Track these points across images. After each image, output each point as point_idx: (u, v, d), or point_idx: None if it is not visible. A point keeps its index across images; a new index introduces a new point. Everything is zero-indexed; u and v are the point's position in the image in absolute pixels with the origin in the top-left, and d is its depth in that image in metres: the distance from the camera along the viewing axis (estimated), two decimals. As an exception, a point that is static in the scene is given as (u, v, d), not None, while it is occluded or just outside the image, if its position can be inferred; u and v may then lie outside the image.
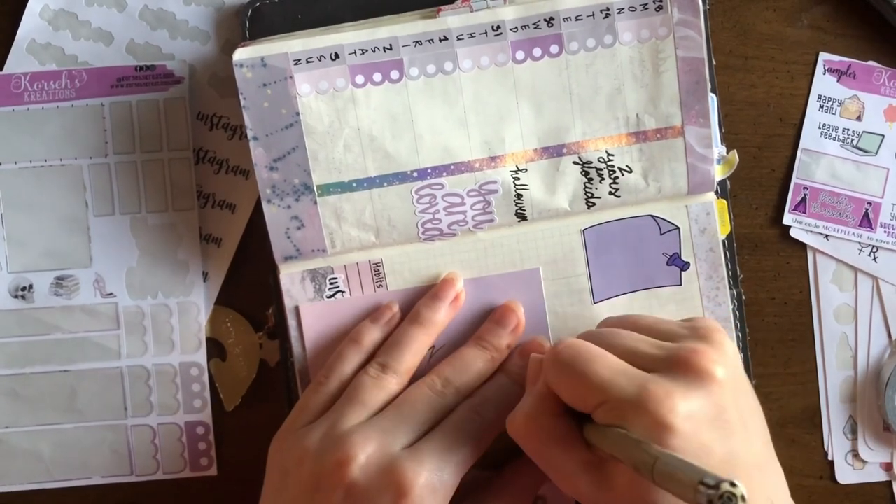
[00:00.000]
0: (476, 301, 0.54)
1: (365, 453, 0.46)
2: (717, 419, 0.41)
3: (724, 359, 0.43)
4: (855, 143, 0.57)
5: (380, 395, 0.49)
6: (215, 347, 0.57)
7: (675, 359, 0.42)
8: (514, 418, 0.45)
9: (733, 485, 0.32)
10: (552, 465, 0.44)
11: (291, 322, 0.54)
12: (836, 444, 0.57)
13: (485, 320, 0.53)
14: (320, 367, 0.53)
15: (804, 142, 0.57)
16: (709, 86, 0.53)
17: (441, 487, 0.46)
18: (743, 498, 0.32)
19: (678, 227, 0.54)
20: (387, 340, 0.52)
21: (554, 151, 0.53)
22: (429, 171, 0.53)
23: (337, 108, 0.52)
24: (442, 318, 0.52)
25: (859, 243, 0.57)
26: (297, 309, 0.54)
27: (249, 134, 0.52)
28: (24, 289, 0.56)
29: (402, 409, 0.48)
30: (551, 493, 0.54)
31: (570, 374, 0.43)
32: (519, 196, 0.53)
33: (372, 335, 0.52)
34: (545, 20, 0.52)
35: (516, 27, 0.52)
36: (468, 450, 0.48)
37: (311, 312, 0.54)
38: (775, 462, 0.45)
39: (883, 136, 0.57)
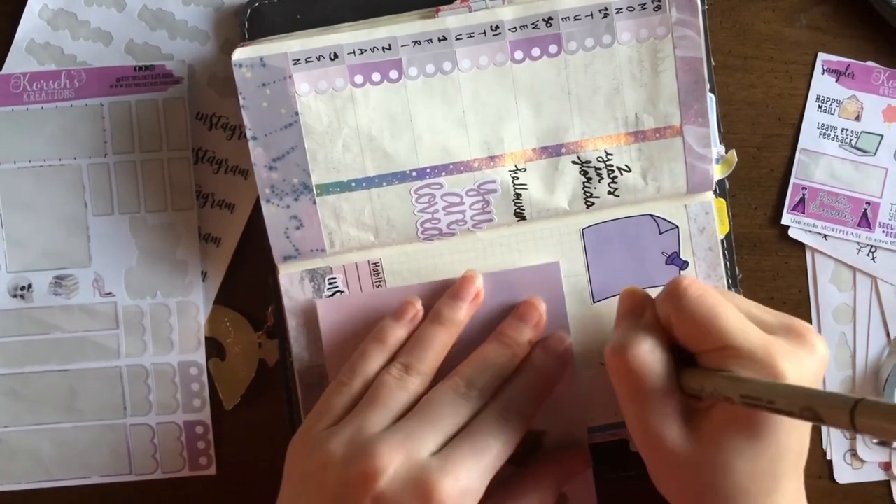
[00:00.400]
0: (495, 296, 0.53)
1: (393, 464, 0.45)
2: (811, 386, 0.44)
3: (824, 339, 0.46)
4: (853, 143, 0.57)
5: (403, 396, 0.49)
6: (214, 347, 0.57)
7: (788, 327, 0.45)
8: (622, 349, 0.45)
9: None
10: (647, 408, 0.45)
11: (291, 322, 0.54)
12: (834, 444, 0.57)
13: (502, 314, 0.53)
14: (336, 362, 0.52)
15: (803, 142, 0.57)
16: (707, 85, 0.53)
17: (470, 494, 0.46)
18: None
19: (677, 227, 0.54)
20: (409, 340, 0.51)
21: (553, 151, 0.53)
22: (428, 170, 0.53)
23: (336, 108, 0.52)
24: (463, 317, 0.52)
25: (858, 243, 0.57)
26: (301, 306, 0.53)
27: (248, 134, 0.52)
28: (23, 288, 0.56)
29: (426, 415, 0.47)
30: (573, 491, 0.54)
31: (699, 313, 0.44)
32: (518, 196, 0.53)
33: (397, 333, 0.51)
34: (544, 20, 0.52)
35: (515, 27, 0.52)
36: (496, 453, 0.47)
37: (328, 307, 0.53)
38: None
39: (881, 136, 0.57)
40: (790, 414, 0.39)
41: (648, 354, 0.45)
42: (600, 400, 0.54)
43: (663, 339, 0.46)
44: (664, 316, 0.46)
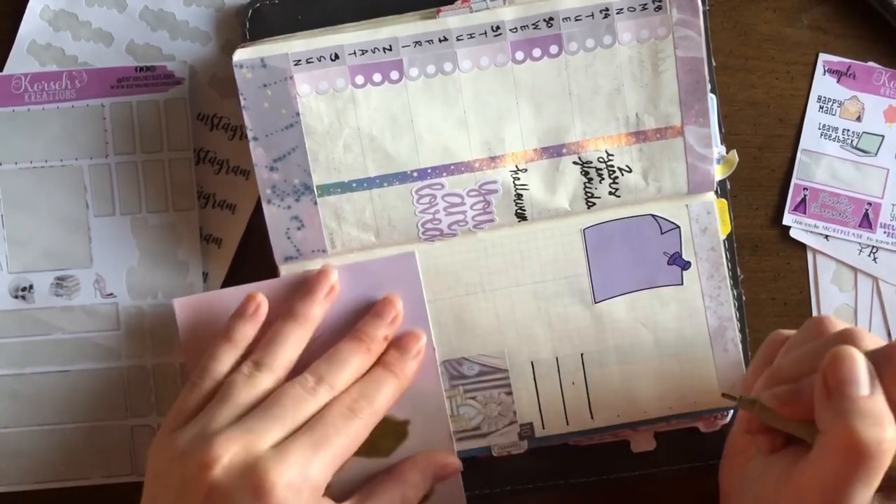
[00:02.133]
0: (353, 288, 0.53)
1: (228, 454, 0.45)
2: None
3: None
4: (855, 143, 0.57)
5: (252, 393, 0.48)
6: (215, 348, 0.57)
7: None
8: (883, 434, 0.40)
9: None
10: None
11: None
12: (836, 445, 0.57)
13: (361, 308, 0.53)
14: (195, 362, 0.52)
15: (804, 142, 0.57)
16: (708, 86, 0.53)
17: (306, 486, 0.45)
18: None
19: (679, 227, 0.54)
20: (263, 338, 0.51)
21: (554, 151, 0.53)
22: (429, 171, 0.53)
23: (337, 109, 0.52)
24: (317, 312, 0.52)
25: (859, 244, 0.57)
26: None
27: (249, 134, 0.52)
28: (24, 289, 0.56)
29: (270, 409, 0.47)
30: (441, 489, 0.53)
31: None
32: (519, 196, 0.53)
33: (243, 330, 0.51)
34: (544, 20, 0.52)
35: (516, 27, 0.52)
36: (339, 445, 0.47)
37: (186, 306, 0.53)
38: None
39: (883, 136, 0.57)
40: None
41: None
42: (602, 401, 0.54)
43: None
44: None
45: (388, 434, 0.52)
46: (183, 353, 0.53)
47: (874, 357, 0.42)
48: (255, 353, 0.50)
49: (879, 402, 0.40)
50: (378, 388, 0.50)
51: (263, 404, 0.48)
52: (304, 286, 0.52)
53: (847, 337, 0.43)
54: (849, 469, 0.40)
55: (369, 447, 0.50)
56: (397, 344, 0.52)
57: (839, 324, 0.45)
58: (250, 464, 0.45)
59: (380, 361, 0.51)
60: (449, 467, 0.53)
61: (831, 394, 0.41)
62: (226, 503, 0.44)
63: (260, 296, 0.52)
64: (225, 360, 0.50)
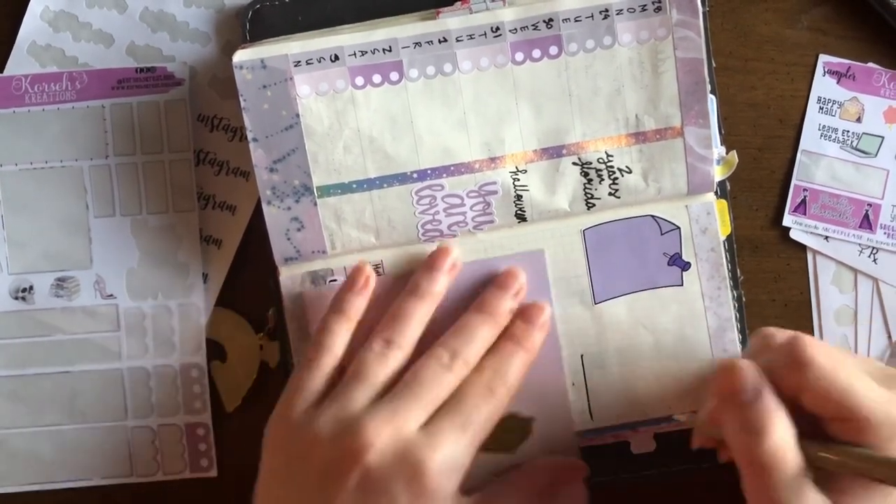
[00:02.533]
0: (477, 285, 0.53)
1: (380, 439, 0.45)
2: None
3: None
4: (855, 144, 0.57)
5: (385, 371, 0.48)
6: (216, 349, 0.57)
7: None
8: (755, 437, 0.42)
9: None
10: (784, 493, 0.41)
11: (292, 324, 0.54)
12: (836, 446, 0.57)
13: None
14: None
15: (804, 143, 0.57)
16: (708, 87, 0.53)
17: (456, 467, 0.46)
18: None
19: (679, 227, 0.54)
20: (387, 314, 0.51)
21: (553, 152, 0.53)
22: (429, 172, 0.53)
23: (337, 110, 0.52)
24: (440, 289, 0.51)
25: (859, 245, 0.57)
26: (301, 295, 0.53)
27: (249, 135, 0.52)
28: (24, 290, 0.57)
29: (412, 387, 0.47)
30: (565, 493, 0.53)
31: (834, 388, 0.42)
32: (519, 197, 0.53)
33: (355, 303, 0.51)
34: (544, 21, 0.52)
35: (515, 28, 0.52)
36: (480, 426, 0.47)
37: (313, 298, 0.53)
38: None
39: (883, 137, 0.57)
40: None
41: (785, 442, 0.42)
42: (602, 402, 0.54)
43: (787, 414, 0.43)
44: (787, 386, 0.43)
45: (513, 430, 0.52)
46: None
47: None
48: (383, 330, 0.50)
49: (759, 412, 0.42)
50: (510, 363, 0.50)
51: (403, 383, 0.48)
52: (426, 262, 0.52)
53: (792, 345, 0.44)
54: (761, 480, 0.42)
55: (495, 442, 0.49)
56: (522, 315, 0.51)
57: (780, 334, 0.46)
58: (403, 448, 0.45)
59: (506, 334, 0.51)
60: (577, 471, 0.52)
61: (721, 411, 0.44)
62: (380, 487, 0.45)
63: (368, 268, 0.52)
64: (339, 333, 0.50)
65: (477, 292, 0.52)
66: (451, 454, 0.45)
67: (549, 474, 0.51)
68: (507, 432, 0.51)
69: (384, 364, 0.49)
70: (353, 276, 0.52)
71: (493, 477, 0.51)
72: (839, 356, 0.43)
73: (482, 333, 0.50)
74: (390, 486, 0.44)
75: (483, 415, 0.47)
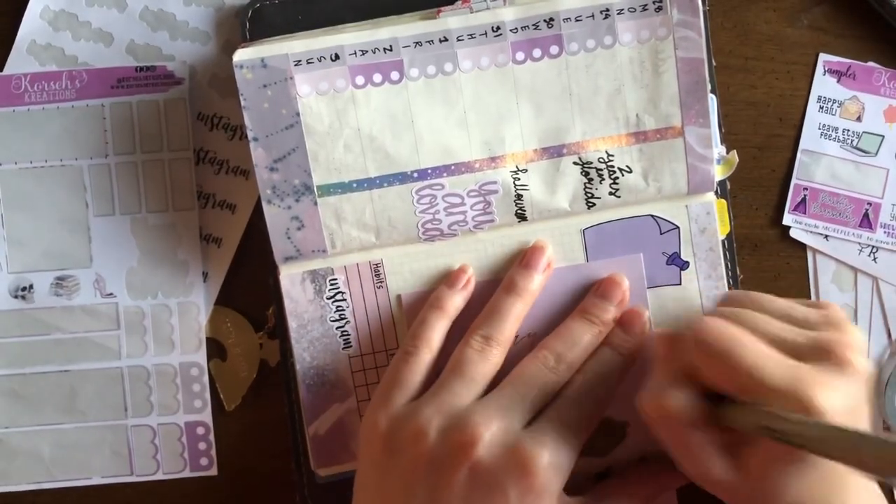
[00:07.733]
0: (574, 289, 0.53)
1: (490, 432, 0.46)
2: (855, 410, 0.42)
3: (862, 349, 0.44)
4: (855, 143, 0.57)
5: (486, 367, 0.49)
6: (215, 347, 0.57)
7: (820, 348, 0.43)
8: (652, 398, 0.45)
9: None
10: (688, 447, 0.45)
11: (292, 323, 0.54)
12: None
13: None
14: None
15: (804, 142, 0.57)
16: (708, 86, 0.53)
17: (561, 467, 0.46)
18: None
19: (678, 227, 0.54)
20: (484, 310, 0.52)
21: (554, 152, 0.53)
22: (429, 171, 0.53)
23: (337, 109, 0.52)
24: (536, 287, 0.52)
25: (859, 244, 0.57)
26: (302, 306, 0.53)
27: (249, 134, 0.52)
28: (24, 289, 0.56)
29: (517, 387, 0.48)
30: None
31: (719, 357, 0.43)
32: (519, 196, 0.53)
33: (453, 300, 0.52)
34: (545, 21, 0.52)
35: (516, 28, 0.52)
36: (582, 428, 0.48)
37: (410, 299, 0.54)
38: None
39: (883, 136, 0.57)
40: (829, 457, 0.38)
41: (675, 401, 0.45)
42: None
43: (690, 382, 0.45)
44: (692, 363, 0.45)
45: (607, 433, 0.52)
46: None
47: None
48: (481, 327, 0.51)
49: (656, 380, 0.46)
50: (611, 371, 0.50)
51: (509, 381, 0.49)
52: (521, 260, 0.53)
53: (694, 335, 0.45)
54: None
55: (590, 446, 0.49)
56: (621, 322, 0.52)
57: (697, 322, 0.46)
58: (512, 443, 0.46)
59: (606, 341, 0.52)
60: (675, 481, 0.52)
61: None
62: (490, 481, 0.45)
63: (470, 269, 0.53)
64: (437, 328, 0.51)
65: (570, 303, 0.53)
66: (556, 453, 0.46)
67: (656, 483, 0.52)
68: (601, 436, 0.52)
69: (484, 361, 0.50)
70: (455, 275, 0.53)
71: (583, 480, 0.51)
72: (731, 328, 0.44)
73: (586, 341, 0.51)
74: (501, 480, 0.45)
75: (586, 419, 0.48)
